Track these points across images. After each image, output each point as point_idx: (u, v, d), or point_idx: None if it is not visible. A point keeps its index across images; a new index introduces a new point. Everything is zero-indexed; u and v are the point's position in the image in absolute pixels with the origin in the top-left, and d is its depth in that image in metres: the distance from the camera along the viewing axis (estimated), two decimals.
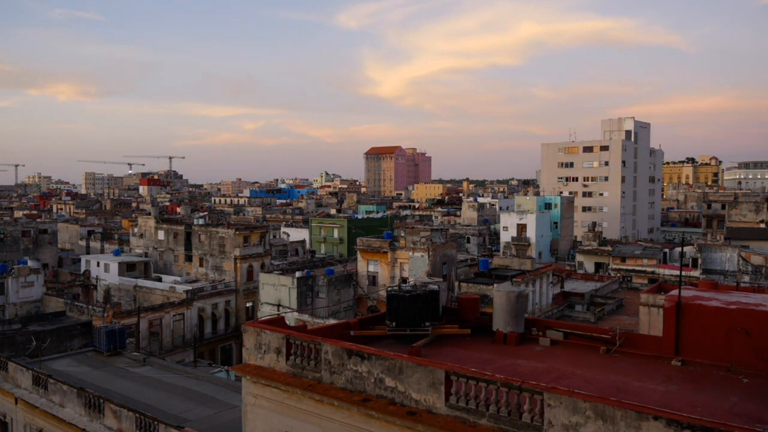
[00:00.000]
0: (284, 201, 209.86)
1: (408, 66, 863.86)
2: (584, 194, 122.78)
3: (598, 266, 78.73)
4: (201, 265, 72.66)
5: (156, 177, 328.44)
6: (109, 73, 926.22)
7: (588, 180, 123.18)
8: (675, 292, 18.17)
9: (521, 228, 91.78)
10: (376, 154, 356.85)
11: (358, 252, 63.68)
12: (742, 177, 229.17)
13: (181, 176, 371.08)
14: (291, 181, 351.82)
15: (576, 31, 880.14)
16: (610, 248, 78.44)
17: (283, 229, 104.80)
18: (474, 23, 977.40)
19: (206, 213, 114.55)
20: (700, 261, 66.63)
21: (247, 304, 66.77)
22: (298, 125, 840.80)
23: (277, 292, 57.69)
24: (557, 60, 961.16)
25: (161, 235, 77.69)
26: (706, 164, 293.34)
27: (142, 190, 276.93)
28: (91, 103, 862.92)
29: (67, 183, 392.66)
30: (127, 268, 71.66)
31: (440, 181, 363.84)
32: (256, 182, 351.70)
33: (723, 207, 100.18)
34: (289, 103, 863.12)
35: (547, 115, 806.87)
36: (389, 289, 21.41)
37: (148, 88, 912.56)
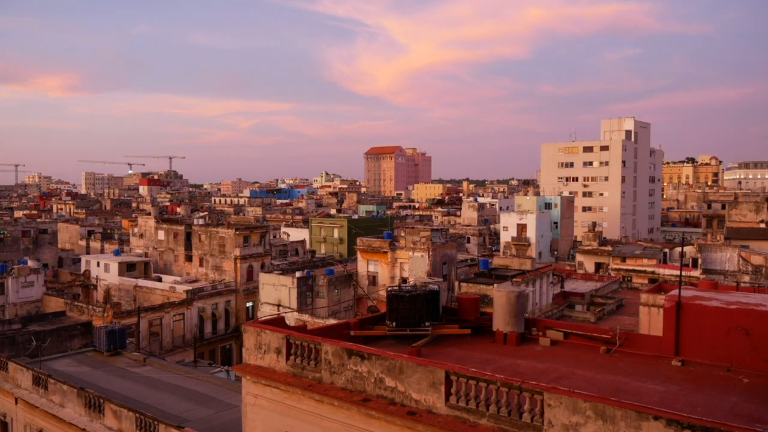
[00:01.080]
0: (284, 201, 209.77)
1: (404, 58, 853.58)
2: (584, 194, 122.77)
3: (598, 266, 78.69)
4: (201, 265, 72.66)
5: (156, 177, 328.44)
6: (96, 67, 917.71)
7: (588, 180, 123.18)
8: (675, 292, 18.17)
9: (521, 228, 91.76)
10: (376, 154, 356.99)
11: (358, 252, 63.67)
12: (742, 177, 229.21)
13: (181, 176, 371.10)
14: (291, 181, 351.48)
15: (591, 15, 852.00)
16: (610, 248, 78.39)
17: (283, 229, 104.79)
18: (473, 8, 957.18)
19: (206, 213, 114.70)
20: (700, 261, 66.59)
21: (247, 304, 66.77)
22: (292, 123, 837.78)
23: (277, 292, 57.68)
24: (567, 50, 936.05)
25: (161, 235, 77.69)
26: (706, 164, 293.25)
27: (142, 190, 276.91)
28: (80, 99, 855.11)
29: (67, 183, 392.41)
30: (127, 268, 71.66)
31: (440, 181, 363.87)
32: (256, 182, 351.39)
33: (723, 207, 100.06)
34: (280, 99, 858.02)
35: (552, 111, 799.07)
36: (389, 289, 21.41)
37: (138, 83, 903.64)
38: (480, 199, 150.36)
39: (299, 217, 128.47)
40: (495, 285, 38.98)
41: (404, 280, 53.85)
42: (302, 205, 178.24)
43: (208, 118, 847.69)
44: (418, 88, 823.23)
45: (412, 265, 58.63)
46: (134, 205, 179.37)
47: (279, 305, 56.42)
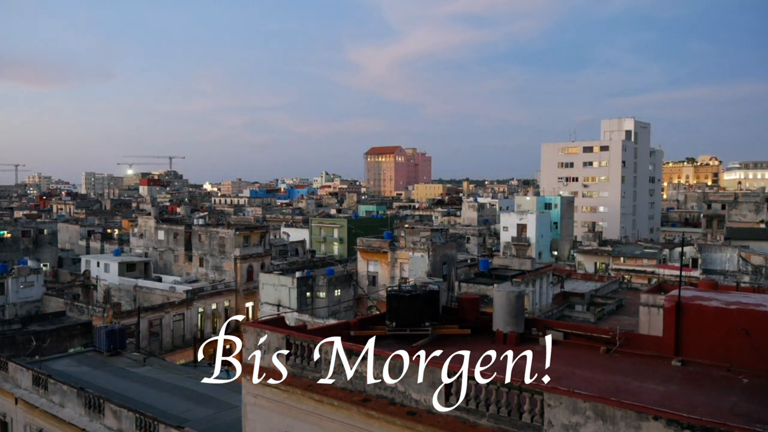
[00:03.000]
0: (284, 201, 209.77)
1: (399, 43, 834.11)
2: (584, 194, 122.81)
3: (598, 266, 78.70)
4: (201, 265, 72.64)
5: (156, 177, 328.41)
6: (79, 61, 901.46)
7: (588, 180, 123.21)
8: (675, 292, 18.18)
9: (521, 228, 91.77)
10: (376, 154, 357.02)
11: (358, 252, 63.67)
12: (742, 177, 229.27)
13: (181, 176, 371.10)
14: (291, 181, 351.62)
15: None
16: (610, 248, 78.41)
17: (283, 229, 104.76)
18: None
19: (206, 213, 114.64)
20: (700, 261, 66.62)
21: (247, 304, 66.76)
22: (283, 120, 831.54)
23: (277, 292, 57.68)
24: (583, 33, 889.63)
25: (161, 235, 77.67)
26: (706, 164, 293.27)
27: (142, 190, 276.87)
28: (60, 92, 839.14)
29: (67, 183, 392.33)
30: (127, 268, 71.61)
31: (440, 181, 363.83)
32: (256, 182, 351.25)
33: (723, 207, 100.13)
34: (270, 95, 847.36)
35: (557, 106, 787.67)
36: (389, 289, 21.41)
37: (122, 76, 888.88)
38: (480, 199, 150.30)
39: (299, 217, 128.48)
40: (495, 285, 39.03)
41: (404, 280, 53.85)
42: (302, 205, 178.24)
43: (200, 115, 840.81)
44: (413, 79, 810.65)
45: (412, 265, 58.64)
46: (134, 205, 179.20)
47: (279, 305, 56.41)
